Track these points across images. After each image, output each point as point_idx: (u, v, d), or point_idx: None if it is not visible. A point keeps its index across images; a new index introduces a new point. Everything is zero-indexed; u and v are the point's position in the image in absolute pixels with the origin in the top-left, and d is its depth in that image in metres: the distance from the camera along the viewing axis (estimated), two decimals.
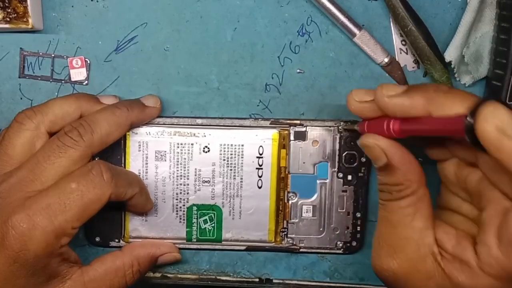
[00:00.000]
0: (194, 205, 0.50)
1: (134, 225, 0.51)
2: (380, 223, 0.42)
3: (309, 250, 0.52)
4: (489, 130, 0.32)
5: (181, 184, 0.50)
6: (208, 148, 0.50)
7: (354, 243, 0.51)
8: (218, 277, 0.53)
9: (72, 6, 0.49)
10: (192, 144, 0.50)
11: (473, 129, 0.33)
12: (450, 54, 0.48)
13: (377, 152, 0.40)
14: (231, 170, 0.50)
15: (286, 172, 0.50)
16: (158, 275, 0.53)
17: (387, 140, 0.40)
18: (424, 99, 0.37)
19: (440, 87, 0.38)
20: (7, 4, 0.46)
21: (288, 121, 0.50)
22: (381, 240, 0.42)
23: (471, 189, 0.41)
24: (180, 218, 0.51)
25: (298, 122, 0.50)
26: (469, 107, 0.34)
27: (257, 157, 0.50)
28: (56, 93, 0.50)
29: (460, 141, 0.40)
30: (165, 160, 0.50)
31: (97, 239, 0.51)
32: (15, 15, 0.47)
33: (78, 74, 0.50)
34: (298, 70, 0.50)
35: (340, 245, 0.51)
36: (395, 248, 0.40)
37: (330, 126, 0.50)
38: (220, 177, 0.50)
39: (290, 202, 0.51)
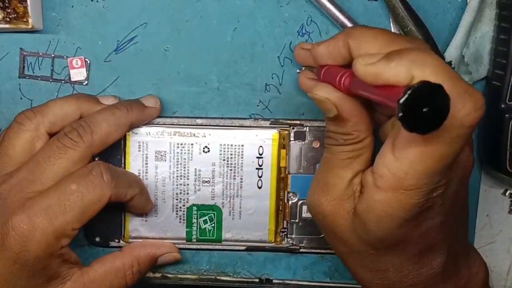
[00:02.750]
0: (194, 205, 0.50)
1: (134, 225, 0.51)
2: (321, 163, 0.42)
3: (309, 250, 0.52)
4: (360, 69, 0.36)
5: (181, 184, 0.50)
6: (208, 148, 0.50)
7: None
8: (218, 277, 0.53)
9: (72, 6, 0.49)
10: (192, 144, 0.50)
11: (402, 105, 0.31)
12: (450, 54, 0.48)
13: (328, 106, 0.40)
14: (231, 170, 0.50)
15: (286, 172, 0.50)
16: (158, 275, 0.53)
17: (338, 94, 0.40)
18: (343, 39, 0.39)
19: (415, 52, 0.36)
20: (7, 4, 0.46)
21: (288, 121, 0.50)
22: (318, 178, 0.42)
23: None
24: (180, 218, 0.51)
25: (298, 122, 0.50)
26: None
27: (257, 157, 0.50)
28: (56, 93, 0.50)
29: None
30: (165, 160, 0.50)
31: (97, 239, 0.51)
32: (15, 15, 0.47)
33: (78, 74, 0.50)
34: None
35: None
36: (328, 185, 0.41)
37: None
38: (220, 177, 0.50)
39: (290, 202, 0.51)
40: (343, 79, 0.39)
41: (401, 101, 0.30)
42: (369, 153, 0.41)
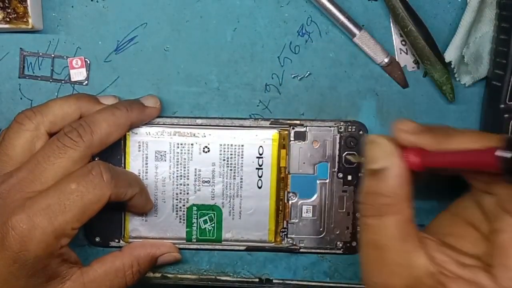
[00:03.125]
0: (194, 205, 0.50)
1: (134, 225, 0.51)
2: (366, 248, 0.39)
3: (309, 250, 0.52)
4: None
5: (181, 184, 0.50)
6: (208, 148, 0.50)
7: (354, 243, 0.51)
8: (218, 277, 0.53)
9: (72, 6, 0.49)
10: (192, 144, 0.50)
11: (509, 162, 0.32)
12: (450, 54, 0.48)
13: (381, 153, 0.38)
14: (231, 170, 0.50)
15: (286, 172, 0.50)
16: (158, 275, 0.53)
17: (398, 147, 0.38)
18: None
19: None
20: (7, 4, 0.46)
21: (288, 121, 0.50)
22: (371, 268, 0.39)
23: (485, 210, 0.39)
24: (180, 218, 0.51)
25: (298, 122, 0.50)
26: (498, 141, 0.34)
27: (257, 157, 0.50)
28: (56, 93, 0.50)
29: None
30: (165, 160, 0.50)
31: (97, 239, 0.51)
32: (15, 15, 0.47)
33: (78, 74, 0.50)
34: (293, 75, 0.50)
35: (340, 245, 0.51)
36: (389, 274, 0.38)
37: (330, 126, 0.50)
38: (220, 177, 0.50)
39: (290, 202, 0.51)
40: (411, 156, 0.38)
41: (503, 153, 0.32)
42: (413, 229, 0.38)
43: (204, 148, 0.50)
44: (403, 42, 0.50)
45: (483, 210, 0.40)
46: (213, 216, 0.51)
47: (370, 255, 0.39)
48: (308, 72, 0.50)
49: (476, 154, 0.35)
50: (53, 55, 0.50)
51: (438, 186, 0.50)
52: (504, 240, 0.36)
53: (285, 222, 0.51)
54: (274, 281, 0.53)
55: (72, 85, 0.50)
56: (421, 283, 0.37)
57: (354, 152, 0.50)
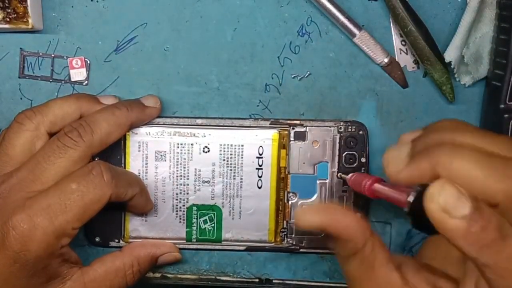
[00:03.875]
0: (194, 205, 0.50)
1: (134, 225, 0.51)
2: (347, 280, 0.39)
3: (309, 250, 0.52)
4: (433, 209, 0.31)
5: (181, 184, 0.50)
6: (208, 148, 0.50)
7: None
8: (218, 277, 0.53)
9: (72, 6, 0.49)
10: (192, 144, 0.50)
11: (414, 206, 0.33)
12: (450, 54, 0.48)
13: (314, 228, 0.37)
14: (231, 170, 0.50)
15: (286, 172, 0.50)
16: (158, 275, 0.53)
17: (318, 215, 0.37)
18: (429, 165, 0.34)
19: (442, 145, 0.34)
20: (7, 4, 0.46)
21: (288, 121, 0.50)
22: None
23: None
24: (180, 218, 0.51)
25: (298, 122, 0.50)
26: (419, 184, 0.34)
27: (257, 157, 0.50)
28: (56, 93, 0.50)
29: None
30: (165, 160, 0.50)
31: (97, 239, 0.51)
32: (15, 15, 0.47)
33: (78, 74, 0.50)
34: (293, 75, 0.50)
35: None
36: None
37: (330, 126, 0.50)
38: (220, 177, 0.50)
39: (290, 202, 0.51)
40: (367, 183, 0.42)
41: (410, 197, 0.33)
42: (382, 254, 0.37)
43: (204, 148, 0.50)
44: (403, 42, 0.50)
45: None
46: (213, 216, 0.51)
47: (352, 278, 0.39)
48: (308, 72, 0.50)
49: (398, 195, 0.37)
50: (53, 55, 0.50)
51: None
52: (468, 268, 0.36)
53: (285, 222, 0.51)
54: (274, 281, 0.53)
55: (72, 85, 0.50)
56: None
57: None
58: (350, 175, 0.47)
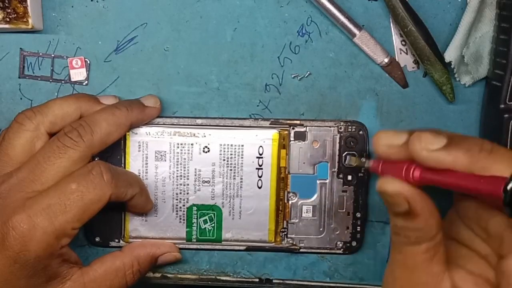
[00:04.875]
0: (194, 205, 0.50)
1: (134, 225, 0.51)
2: (393, 265, 0.40)
3: (309, 250, 0.52)
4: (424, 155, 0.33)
5: (181, 184, 0.50)
6: (208, 148, 0.50)
7: (354, 243, 0.51)
8: (218, 277, 0.53)
9: (72, 6, 0.49)
10: (192, 144, 0.50)
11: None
12: (450, 54, 0.48)
13: (399, 200, 0.37)
14: (231, 170, 0.50)
15: (286, 172, 0.50)
16: (158, 275, 0.53)
17: (410, 187, 0.37)
18: (467, 159, 0.35)
19: (484, 145, 0.36)
20: (7, 4, 0.46)
21: (288, 121, 0.50)
22: (396, 285, 0.40)
23: (491, 231, 0.38)
24: (180, 218, 0.51)
25: (298, 122, 0.50)
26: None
27: (257, 157, 0.50)
28: (56, 93, 0.50)
29: None
30: (165, 160, 0.50)
31: (97, 239, 0.51)
32: (15, 15, 0.47)
33: (78, 74, 0.50)
34: (293, 75, 0.50)
35: (340, 245, 0.51)
36: None
37: (330, 126, 0.50)
38: (220, 177, 0.50)
39: (290, 202, 0.51)
40: (412, 171, 0.37)
41: (509, 187, 0.31)
42: (443, 251, 0.39)
43: (204, 148, 0.50)
44: (403, 42, 0.50)
45: (468, 224, 0.40)
46: (213, 216, 0.51)
47: (397, 274, 0.40)
48: (308, 72, 0.50)
49: (484, 181, 0.34)
50: (53, 55, 0.50)
51: None
52: (509, 266, 0.36)
53: (285, 222, 0.51)
54: (274, 281, 0.53)
55: (72, 85, 0.50)
56: None
57: (354, 153, 0.50)
58: (373, 162, 0.41)
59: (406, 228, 0.38)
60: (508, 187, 0.31)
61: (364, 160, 0.44)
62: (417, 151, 0.36)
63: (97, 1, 0.49)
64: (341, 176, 0.50)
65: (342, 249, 0.51)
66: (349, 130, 0.50)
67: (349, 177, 0.50)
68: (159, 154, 0.50)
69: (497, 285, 0.36)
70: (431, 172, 0.36)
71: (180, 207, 0.50)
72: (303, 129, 0.50)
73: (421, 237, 0.38)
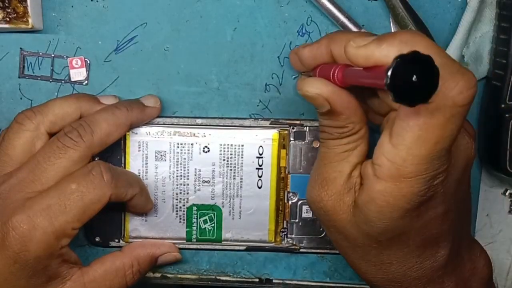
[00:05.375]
0: (194, 205, 0.50)
1: (134, 225, 0.51)
2: (318, 158, 0.42)
3: (309, 250, 0.52)
4: (351, 52, 0.36)
5: (181, 184, 0.50)
6: (208, 148, 0.50)
7: None
8: (218, 277, 0.53)
9: (72, 6, 0.49)
10: (192, 144, 0.50)
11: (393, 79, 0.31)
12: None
13: (319, 101, 0.39)
14: (231, 170, 0.50)
15: (286, 172, 0.50)
16: (158, 275, 0.53)
17: (328, 88, 0.39)
18: (394, 49, 0.35)
19: (407, 33, 0.36)
20: (7, 4, 0.46)
21: (288, 121, 0.50)
22: (316, 173, 0.42)
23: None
24: (180, 218, 0.51)
25: (298, 122, 0.50)
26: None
27: (257, 157, 0.50)
28: (56, 93, 0.50)
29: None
30: (165, 160, 0.50)
31: (97, 239, 0.51)
32: (15, 15, 0.47)
33: (78, 74, 0.50)
34: (293, 77, 0.50)
35: None
36: (327, 180, 0.41)
37: None
38: (220, 177, 0.50)
39: (290, 202, 0.51)
40: (336, 72, 0.39)
41: (390, 70, 0.30)
42: (365, 145, 0.41)
43: (204, 148, 0.50)
44: None
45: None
46: (213, 216, 0.51)
47: (319, 165, 0.42)
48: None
49: (373, 73, 0.35)
50: (53, 55, 0.50)
51: None
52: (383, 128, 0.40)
53: (285, 222, 0.51)
54: (274, 281, 0.53)
55: (72, 85, 0.50)
56: (348, 193, 0.40)
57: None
58: (315, 69, 0.43)
59: (329, 126, 0.40)
60: (388, 73, 0.30)
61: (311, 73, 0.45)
62: (348, 50, 0.37)
63: (97, 1, 0.49)
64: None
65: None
66: None
67: None
68: (159, 154, 0.50)
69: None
70: (351, 71, 0.38)
71: (180, 207, 0.50)
72: (303, 129, 0.50)
73: (343, 133, 0.40)
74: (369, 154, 0.40)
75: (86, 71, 0.50)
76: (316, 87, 0.39)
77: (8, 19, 0.47)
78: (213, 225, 0.51)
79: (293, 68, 0.48)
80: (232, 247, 0.52)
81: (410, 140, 0.35)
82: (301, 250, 0.52)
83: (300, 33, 0.50)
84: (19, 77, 0.50)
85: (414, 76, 0.30)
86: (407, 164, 0.35)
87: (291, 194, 0.51)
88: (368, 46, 0.35)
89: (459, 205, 0.41)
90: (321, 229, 0.51)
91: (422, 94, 0.31)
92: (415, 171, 0.35)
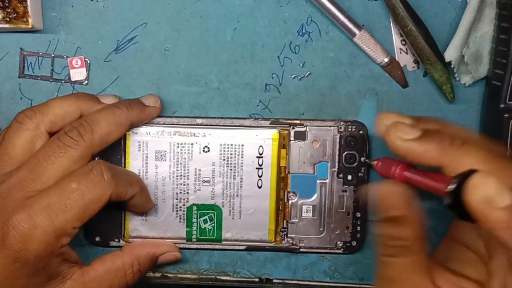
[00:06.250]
0: (194, 205, 0.50)
1: (134, 224, 0.51)
2: (381, 281, 0.40)
3: (309, 250, 0.52)
4: (476, 200, 0.32)
5: (181, 184, 0.50)
6: (208, 148, 0.50)
7: (354, 243, 0.51)
8: (218, 277, 0.53)
9: (72, 6, 0.49)
10: (192, 144, 0.50)
11: (455, 196, 0.32)
12: (450, 54, 0.48)
13: (398, 201, 0.37)
14: (231, 170, 0.50)
15: (286, 172, 0.50)
16: (158, 275, 0.53)
17: (408, 190, 0.38)
18: (438, 150, 0.36)
19: (456, 138, 0.36)
20: (7, 4, 0.46)
21: (288, 121, 0.50)
22: None
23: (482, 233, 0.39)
24: (180, 218, 0.51)
25: (298, 122, 0.50)
26: (458, 173, 0.33)
27: (257, 157, 0.50)
28: (56, 93, 0.50)
29: None
30: (165, 160, 0.50)
31: (97, 238, 0.51)
32: (15, 15, 0.47)
33: (78, 74, 0.50)
34: (293, 75, 0.50)
35: (340, 245, 0.51)
36: None
37: (330, 126, 0.50)
38: (220, 177, 0.50)
39: (290, 202, 0.51)
40: (397, 169, 0.39)
41: (449, 188, 0.31)
42: (424, 258, 0.39)
43: (204, 148, 0.50)
44: (403, 42, 0.50)
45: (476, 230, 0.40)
46: (213, 216, 0.51)
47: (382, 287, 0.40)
48: (308, 72, 0.50)
49: (437, 180, 0.35)
50: (53, 55, 0.50)
51: None
52: (493, 265, 0.37)
53: (285, 222, 0.51)
54: (274, 281, 0.53)
55: (72, 84, 0.50)
56: None
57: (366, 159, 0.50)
58: (376, 161, 0.44)
59: (392, 236, 0.38)
60: (448, 188, 0.31)
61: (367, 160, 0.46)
62: (392, 140, 0.37)
63: (97, 1, 0.49)
64: (341, 176, 0.50)
65: (342, 249, 0.51)
66: (349, 129, 0.50)
67: (349, 177, 0.50)
68: (159, 154, 0.50)
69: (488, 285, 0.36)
70: (408, 171, 0.38)
71: (180, 207, 0.50)
72: (303, 129, 0.50)
73: (410, 249, 0.38)
74: None
75: (86, 71, 0.50)
76: (394, 186, 0.38)
77: (8, 19, 0.47)
78: (213, 224, 0.51)
79: (377, 131, 0.42)
80: (232, 247, 0.52)
81: None
82: (301, 250, 0.52)
83: (300, 33, 0.50)
84: (19, 77, 0.50)
85: None
86: None
87: (291, 194, 0.51)
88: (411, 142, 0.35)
89: None
90: (321, 229, 0.51)
91: None
92: None
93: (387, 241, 0.39)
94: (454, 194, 0.32)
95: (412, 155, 0.37)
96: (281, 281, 0.53)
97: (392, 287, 0.39)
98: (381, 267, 0.40)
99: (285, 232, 0.51)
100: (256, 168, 0.50)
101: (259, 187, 0.50)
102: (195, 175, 0.50)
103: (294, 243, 0.51)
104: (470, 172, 0.32)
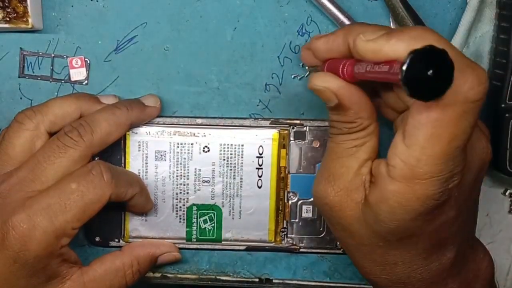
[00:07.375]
0: (194, 205, 0.50)
1: (134, 225, 0.51)
2: (326, 153, 0.42)
3: (309, 250, 0.52)
4: (360, 46, 0.36)
5: (181, 184, 0.50)
6: (208, 148, 0.50)
7: None
8: (218, 277, 0.53)
9: (72, 6, 0.49)
10: (192, 144, 0.50)
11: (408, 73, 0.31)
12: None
13: (327, 95, 0.39)
14: (231, 170, 0.50)
15: (286, 172, 0.50)
16: (158, 275, 0.53)
17: (337, 82, 0.39)
18: (403, 44, 0.35)
19: (417, 29, 0.36)
20: (7, 4, 0.46)
21: (288, 121, 0.50)
22: (323, 168, 0.41)
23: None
24: (180, 218, 0.51)
25: (298, 122, 0.50)
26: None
27: (257, 157, 0.50)
28: (56, 93, 0.50)
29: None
30: (165, 160, 0.50)
31: (97, 239, 0.51)
32: (15, 15, 0.47)
33: (78, 74, 0.50)
34: (293, 75, 0.50)
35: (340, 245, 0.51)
36: (335, 175, 0.40)
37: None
38: (220, 177, 0.50)
39: (290, 202, 0.51)
40: (345, 67, 0.38)
41: (405, 64, 0.30)
42: (374, 141, 0.40)
43: (204, 148, 0.50)
44: None
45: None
46: (213, 216, 0.51)
47: (327, 160, 0.42)
48: (308, 72, 0.50)
49: (387, 67, 0.34)
50: (53, 55, 0.50)
51: None
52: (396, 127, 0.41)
53: (285, 222, 0.51)
54: (274, 281, 0.53)
55: (72, 84, 0.50)
56: (356, 190, 0.40)
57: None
58: (322, 63, 0.43)
59: (338, 121, 0.40)
60: (403, 67, 0.30)
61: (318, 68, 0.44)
62: (357, 43, 0.37)
63: (97, 1, 0.49)
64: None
65: (342, 249, 0.51)
66: None
67: None
68: (159, 154, 0.50)
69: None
70: (361, 66, 0.37)
71: (180, 207, 0.50)
72: (303, 129, 0.50)
73: (352, 128, 0.40)
74: (380, 153, 0.40)
75: (86, 71, 0.50)
76: (324, 81, 0.39)
77: (8, 19, 0.47)
78: (213, 225, 0.51)
79: (305, 64, 0.48)
80: (232, 247, 0.52)
81: (423, 139, 0.34)
82: (301, 250, 0.52)
83: (300, 33, 0.50)
84: (19, 77, 0.50)
85: (430, 71, 0.30)
86: (421, 164, 0.34)
87: (291, 194, 0.51)
88: (377, 40, 0.35)
89: (469, 209, 0.41)
90: (321, 229, 0.51)
91: (437, 88, 0.31)
92: (430, 172, 0.35)
93: (333, 124, 0.41)
94: (408, 70, 0.31)
95: (377, 54, 0.36)
96: (281, 281, 0.53)
97: (335, 161, 0.41)
98: (329, 141, 0.42)
99: (285, 232, 0.51)
100: (256, 168, 0.50)
101: (259, 187, 0.50)
102: (195, 175, 0.50)
103: (294, 243, 0.51)
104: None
